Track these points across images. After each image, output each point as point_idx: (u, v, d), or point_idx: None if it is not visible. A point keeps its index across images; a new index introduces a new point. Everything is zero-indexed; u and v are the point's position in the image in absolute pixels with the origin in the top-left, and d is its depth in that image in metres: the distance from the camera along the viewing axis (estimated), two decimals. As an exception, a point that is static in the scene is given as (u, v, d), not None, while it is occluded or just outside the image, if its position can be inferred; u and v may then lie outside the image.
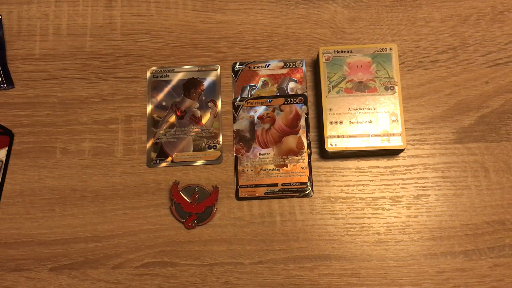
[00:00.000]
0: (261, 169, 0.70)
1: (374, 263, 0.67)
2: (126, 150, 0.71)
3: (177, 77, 0.73)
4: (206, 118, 0.72)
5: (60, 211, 0.69)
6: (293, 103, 0.71)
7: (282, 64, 0.73)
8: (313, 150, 0.70)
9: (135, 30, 0.75)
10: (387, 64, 0.68)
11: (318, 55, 0.70)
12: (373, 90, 0.68)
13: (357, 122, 0.67)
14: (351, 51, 0.69)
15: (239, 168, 0.70)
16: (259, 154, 0.70)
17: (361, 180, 0.70)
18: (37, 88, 0.73)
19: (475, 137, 0.70)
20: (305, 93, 0.72)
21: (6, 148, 0.71)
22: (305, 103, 0.71)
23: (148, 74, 0.73)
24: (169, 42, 0.75)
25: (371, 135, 0.67)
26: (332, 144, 0.67)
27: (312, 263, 0.67)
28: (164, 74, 0.73)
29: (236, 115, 0.72)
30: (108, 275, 0.68)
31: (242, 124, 0.71)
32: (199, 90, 0.73)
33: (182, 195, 0.69)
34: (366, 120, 0.67)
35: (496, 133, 0.70)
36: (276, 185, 0.69)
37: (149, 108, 0.72)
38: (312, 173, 0.70)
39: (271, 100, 0.72)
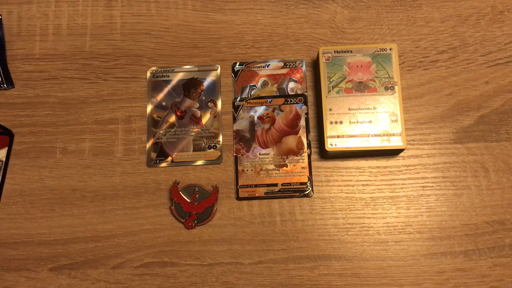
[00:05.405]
0: (261, 169, 0.70)
1: (374, 263, 0.67)
2: (126, 150, 0.71)
3: (177, 77, 0.73)
4: (206, 118, 0.72)
5: (60, 211, 0.69)
6: (293, 103, 0.71)
7: (282, 64, 0.73)
8: (313, 150, 0.70)
9: (135, 30, 0.75)
10: (387, 64, 0.68)
11: (318, 55, 0.70)
12: (373, 90, 0.68)
13: (357, 122, 0.67)
14: (351, 51, 0.69)
15: (239, 168, 0.70)
16: (259, 154, 0.70)
17: (361, 180, 0.70)
18: (37, 88, 0.73)
19: (475, 137, 0.70)
20: (305, 93, 0.72)
21: (6, 148, 0.71)
22: (305, 103, 0.71)
23: (148, 74, 0.73)
24: (169, 42, 0.75)
25: (371, 135, 0.67)
26: (332, 144, 0.67)
27: (312, 263, 0.67)
28: (164, 74, 0.73)
29: (236, 115, 0.72)
30: (108, 275, 0.68)
31: (242, 124, 0.71)
32: (199, 90, 0.73)
33: (182, 195, 0.69)
34: (366, 120, 0.67)
35: (496, 133, 0.70)
36: (276, 185, 0.69)
37: (149, 108, 0.72)
38: (312, 173, 0.70)
39: (271, 100, 0.72)
